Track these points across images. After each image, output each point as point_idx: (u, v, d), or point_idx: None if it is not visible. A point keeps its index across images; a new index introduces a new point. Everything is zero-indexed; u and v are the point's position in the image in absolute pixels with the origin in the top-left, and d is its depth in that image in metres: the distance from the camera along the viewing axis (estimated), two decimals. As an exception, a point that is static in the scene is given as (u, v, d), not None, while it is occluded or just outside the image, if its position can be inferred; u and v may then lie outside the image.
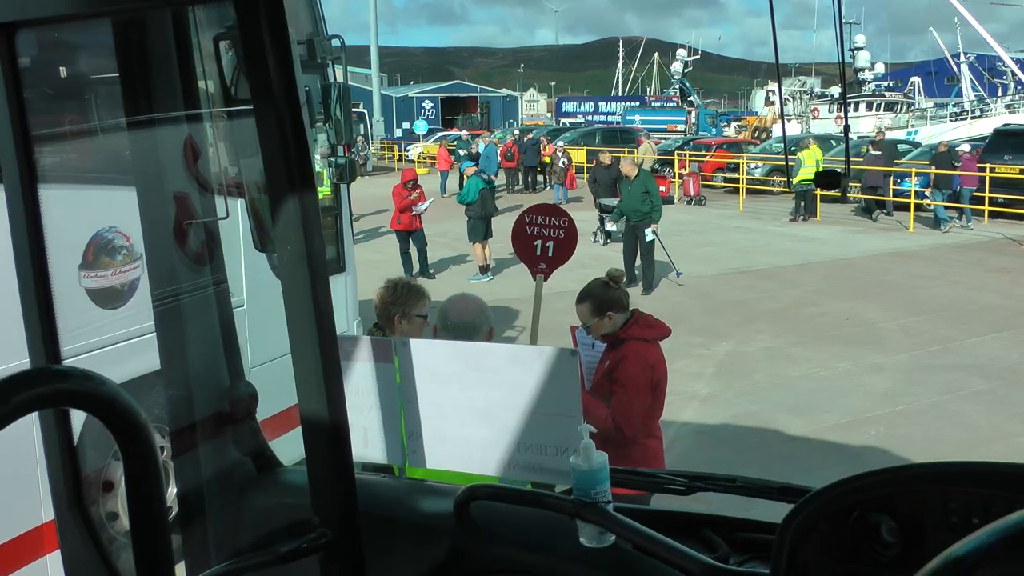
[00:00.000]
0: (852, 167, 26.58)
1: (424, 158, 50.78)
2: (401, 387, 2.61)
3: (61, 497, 2.42)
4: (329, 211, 8.57)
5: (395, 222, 19.16)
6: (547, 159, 37.80)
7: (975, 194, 26.48)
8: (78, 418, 2.29)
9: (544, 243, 9.37)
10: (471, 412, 2.52)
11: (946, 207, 26.08)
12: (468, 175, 20.17)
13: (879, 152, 28.85)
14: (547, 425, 2.42)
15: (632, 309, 5.77)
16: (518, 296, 15.38)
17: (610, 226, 19.66)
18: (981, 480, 1.76)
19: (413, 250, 19.41)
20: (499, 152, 37.55)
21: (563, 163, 34.26)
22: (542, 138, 41.39)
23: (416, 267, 19.20)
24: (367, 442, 2.68)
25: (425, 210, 19.02)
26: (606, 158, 25.56)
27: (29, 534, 5.55)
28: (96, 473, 6.31)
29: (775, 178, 35.48)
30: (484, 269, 19.18)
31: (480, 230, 19.03)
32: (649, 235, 17.39)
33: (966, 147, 28.78)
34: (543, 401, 2.40)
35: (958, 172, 26.41)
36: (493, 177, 25.09)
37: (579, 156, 42.55)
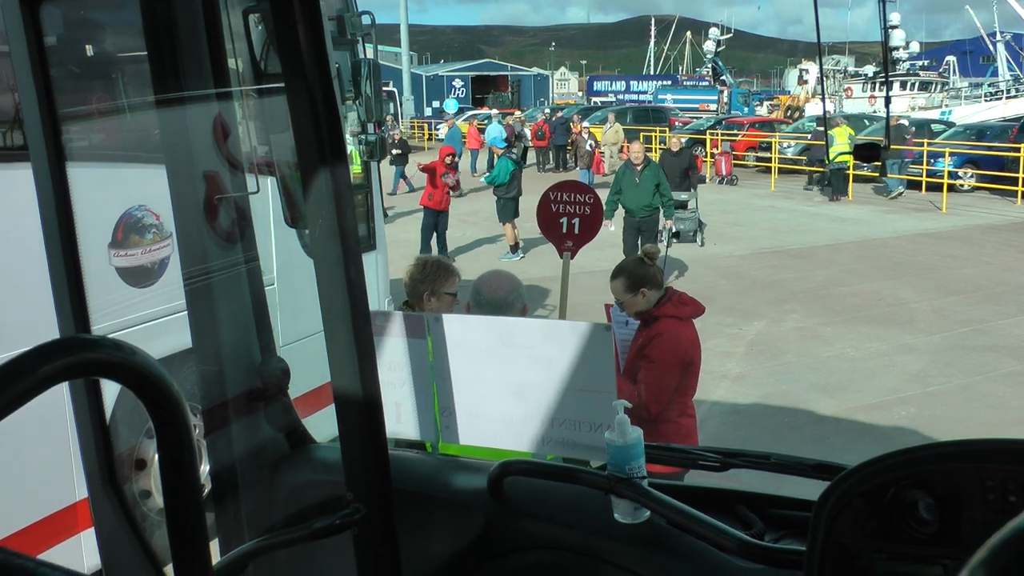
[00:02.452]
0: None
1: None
2: (434, 363, 2.60)
3: (94, 475, 2.43)
4: (360, 189, 8.56)
5: (440, 203, 18.57)
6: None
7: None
8: (110, 396, 2.29)
9: (570, 220, 9.34)
10: (504, 388, 2.51)
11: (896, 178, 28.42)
12: (498, 155, 20.10)
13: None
14: (581, 401, 2.41)
15: (666, 287, 5.74)
16: (549, 275, 15.35)
17: (680, 224, 18.09)
18: (1018, 457, 1.73)
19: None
20: (530, 131, 37.41)
21: (590, 145, 32.94)
22: (574, 116, 41.04)
23: (435, 248, 18.91)
24: (400, 418, 2.68)
25: (456, 182, 18.89)
26: (675, 142, 20.74)
27: (63, 511, 5.59)
28: (129, 451, 6.35)
29: (808, 157, 35.32)
30: (515, 248, 19.19)
31: (510, 210, 19.04)
32: (667, 233, 16.50)
33: (905, 122, 31.02)
34: (577, 377, 2.39)
35: (906, 147, 28.16)
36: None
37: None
